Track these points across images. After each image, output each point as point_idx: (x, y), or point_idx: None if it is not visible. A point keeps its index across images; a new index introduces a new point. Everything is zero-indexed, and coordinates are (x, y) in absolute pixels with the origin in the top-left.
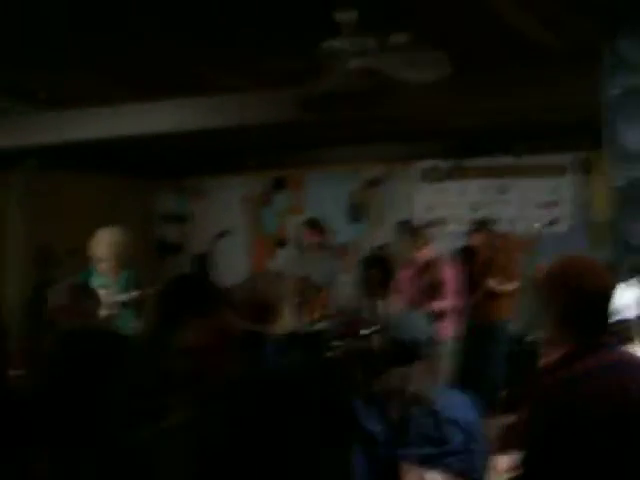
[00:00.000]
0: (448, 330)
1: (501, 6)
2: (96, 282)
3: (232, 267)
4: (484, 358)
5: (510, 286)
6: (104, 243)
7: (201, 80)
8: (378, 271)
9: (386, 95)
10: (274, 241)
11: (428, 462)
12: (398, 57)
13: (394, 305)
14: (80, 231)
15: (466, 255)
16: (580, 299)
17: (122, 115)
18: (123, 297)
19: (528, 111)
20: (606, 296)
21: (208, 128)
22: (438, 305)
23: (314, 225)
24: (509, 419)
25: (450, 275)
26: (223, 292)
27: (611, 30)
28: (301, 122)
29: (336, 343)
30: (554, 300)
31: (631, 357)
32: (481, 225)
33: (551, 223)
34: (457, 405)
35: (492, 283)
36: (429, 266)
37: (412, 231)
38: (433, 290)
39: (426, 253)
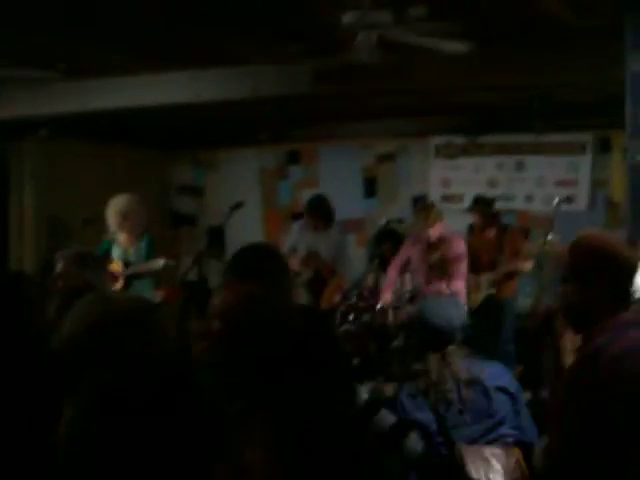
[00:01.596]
0: None
1: None
2: (115, 253)
3: (246, 240)
4: (495, 335)
5: (527, 265)
6: (113, 211)
7: (217, 52)
8: (390, 245)
9: (402, 69)
10: (288, 214)
11: (485, 436)
12: (419, 29)
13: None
14: (95, 202)
15: (469, 233)
16: (627, 270)
17: (138, 86)
18: (137, 269)
19: (548, 88)
20: (636, 270)
21: (223, 100)
22: (449, 284)
23: (310, 210)
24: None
25: (462, 254)
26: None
27: (632, 6)
28: (316, 95)
29: (351, 317)
30: (599, 272)
31: None
32: (475, 203)
33: (568, 201)
34: (498, 373)
35: (518, 265)
36: (441, 243)
37: (425, 207)
38: (443, 268)
39: (438, 230)
